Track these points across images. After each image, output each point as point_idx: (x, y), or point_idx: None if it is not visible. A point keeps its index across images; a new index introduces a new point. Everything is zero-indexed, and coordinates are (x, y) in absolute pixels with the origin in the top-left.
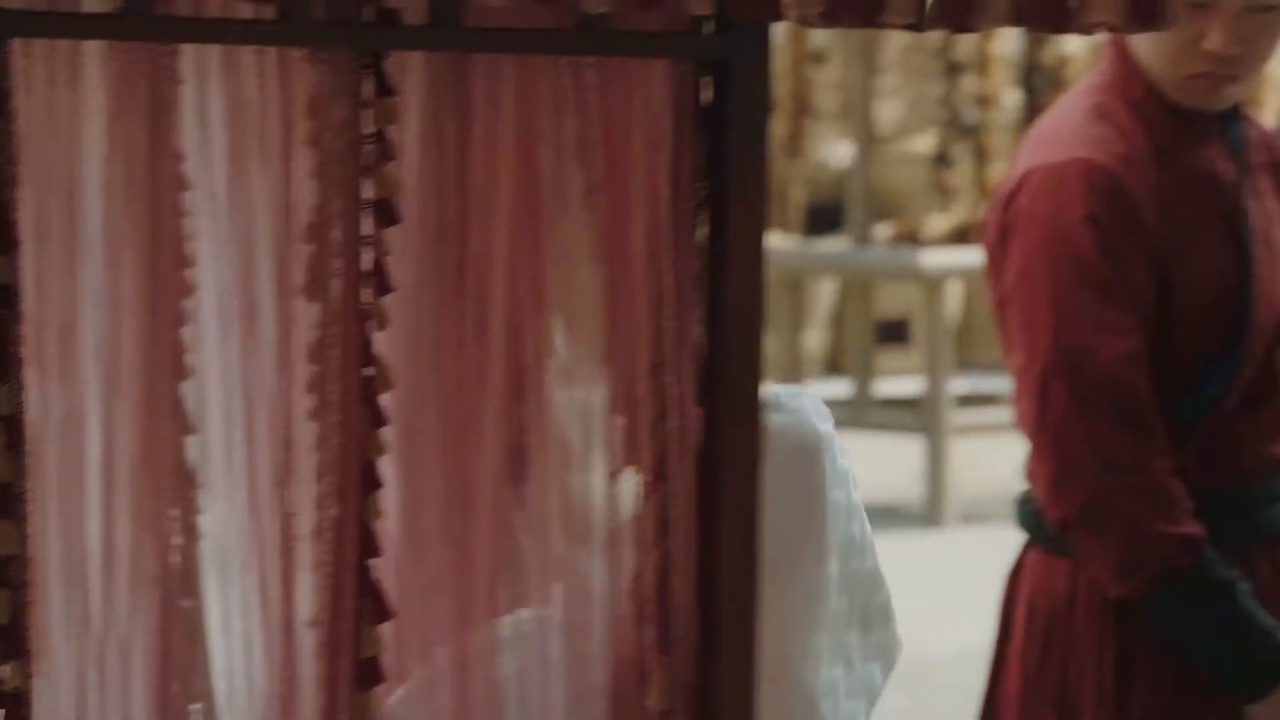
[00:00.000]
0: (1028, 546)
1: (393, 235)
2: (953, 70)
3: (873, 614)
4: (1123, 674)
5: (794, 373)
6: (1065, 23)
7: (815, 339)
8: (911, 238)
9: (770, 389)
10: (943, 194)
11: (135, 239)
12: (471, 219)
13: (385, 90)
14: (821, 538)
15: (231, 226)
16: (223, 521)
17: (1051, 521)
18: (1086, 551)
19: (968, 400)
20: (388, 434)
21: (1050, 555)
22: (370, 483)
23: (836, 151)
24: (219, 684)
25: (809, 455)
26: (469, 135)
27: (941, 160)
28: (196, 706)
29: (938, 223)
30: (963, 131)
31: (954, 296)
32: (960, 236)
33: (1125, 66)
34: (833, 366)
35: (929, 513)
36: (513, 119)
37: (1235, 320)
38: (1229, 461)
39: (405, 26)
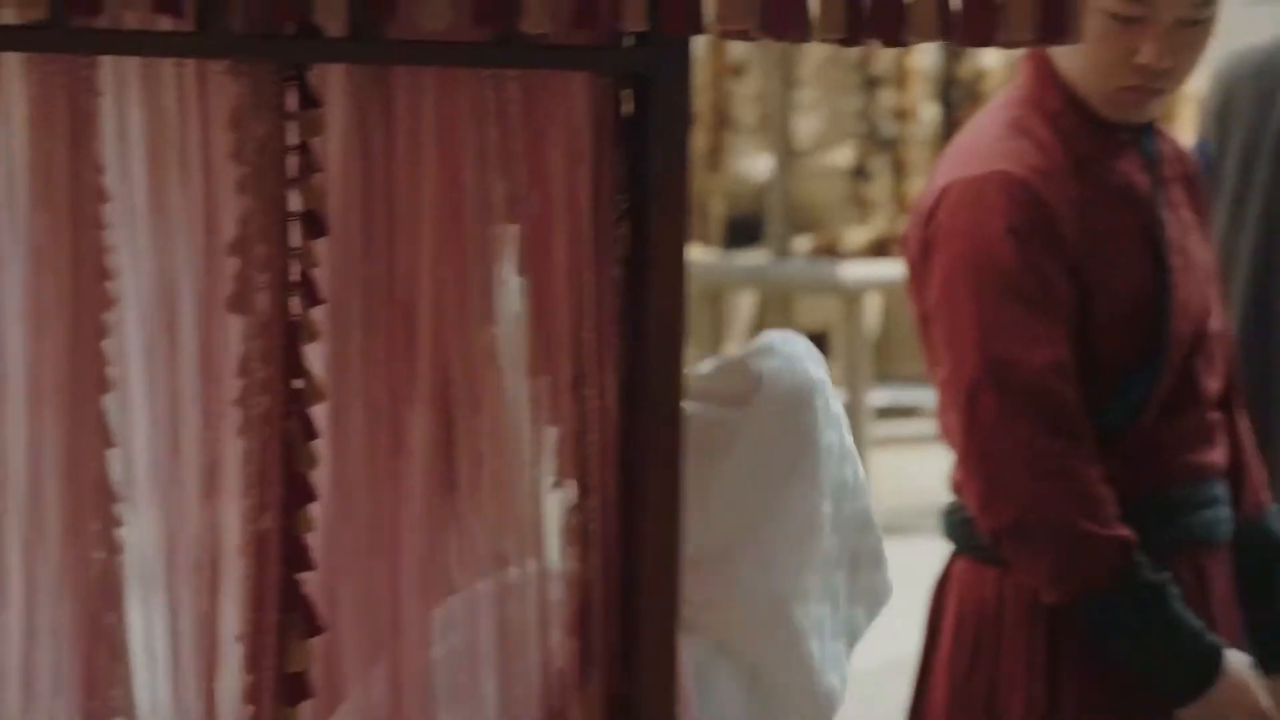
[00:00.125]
0: (955, 556)
1: (320, 247)
2: (871, 84)
3: (862, 557)
4: (1052, 683)
5: None
6: (988, 37)
7: (735, 351)
8: (830, 250)
9: (764, 335)
10: (861, 207)
11: (56, 251)
12: (398, 230)
13: (308, 102)
14: (813, 479)
15: (154, 239)
16: (148, 535)
17: (984, 532)
18: (1020, 560)
19: (887, 412)
20: (318, 446)
21: (978, 564)
22: (300, 496)
23: (756, 165)
24: (142, 698)
25: (801, 398)
26: (393, 147)
27: (860, 173)
28: None
29: (856, 235)
30: (881, 145)
31: (873, 309)
32: (879, 249)
33: (1043, 80)
34: None
35: None
36: (435, 131)
37: (1154, 331)
38: (1151, 469)
39: (326, 39)
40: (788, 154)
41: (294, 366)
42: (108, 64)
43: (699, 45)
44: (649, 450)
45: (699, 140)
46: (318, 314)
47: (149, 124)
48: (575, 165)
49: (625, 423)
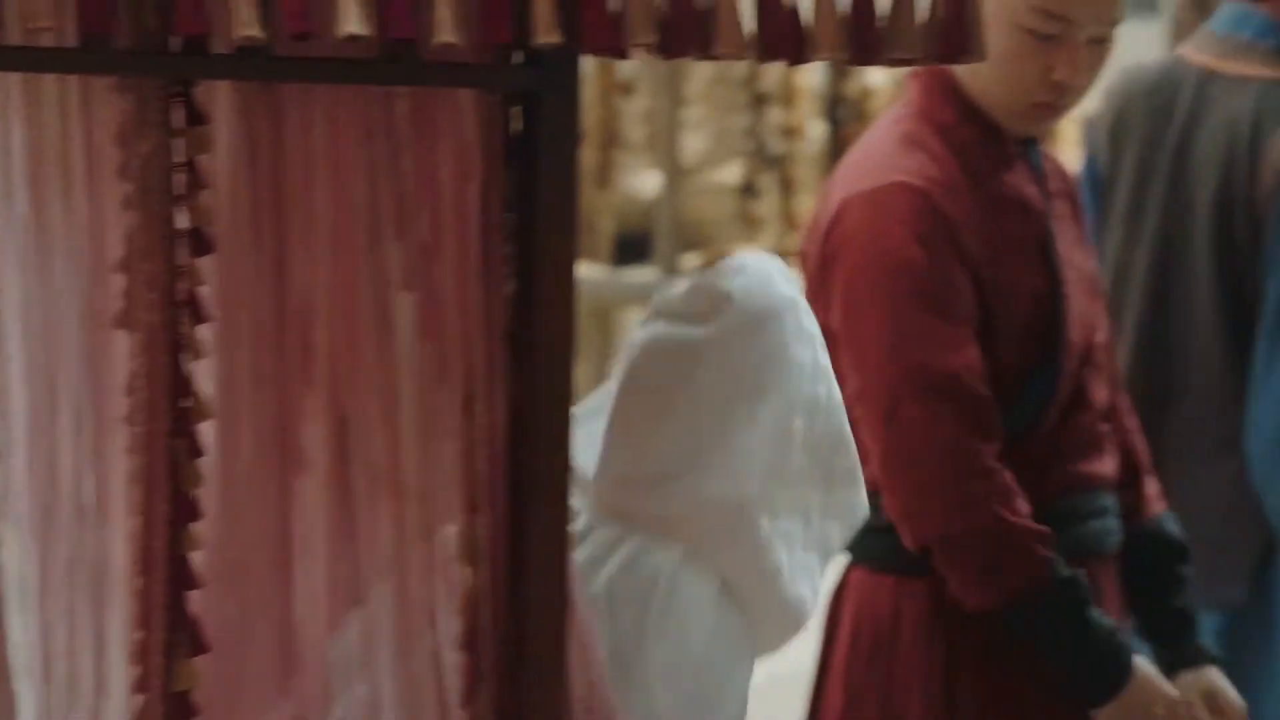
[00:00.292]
0: (851, 566)
1: (209, 264)
2: (758, 102)
3: (836, 474)
4: (948, 692)
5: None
6: (879, 56)
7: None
8: None
9: (735, 255)
10: (749, 224)
11: None
12: (288, 247)
13: (195, 119)
14: (783, 394)
15: (39, 256)
16: (32, 555)
17: (911, 540)
18: (951, 564)
19: None
20: (206, 464)
21: (874, 574)
22: (186, 514)
23: (644, 182)
24: None
25: (771, 314)
26: (281, 164)
27: (748, 191)
28: None
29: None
30: (768, 162)
31: None
32: None
33: (935, 95)
34: None
35: None
36: (325, 148)
37: (1050, 340)
38: (1045, 479)
39: (213, 55)
40: (676, 172)
41: (181, 384)
42: None
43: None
44: (538, 466)
45: (587, 158)
46: (207, 331)
47: (31, 141)
48: (464, 182)
49: (515, 439)
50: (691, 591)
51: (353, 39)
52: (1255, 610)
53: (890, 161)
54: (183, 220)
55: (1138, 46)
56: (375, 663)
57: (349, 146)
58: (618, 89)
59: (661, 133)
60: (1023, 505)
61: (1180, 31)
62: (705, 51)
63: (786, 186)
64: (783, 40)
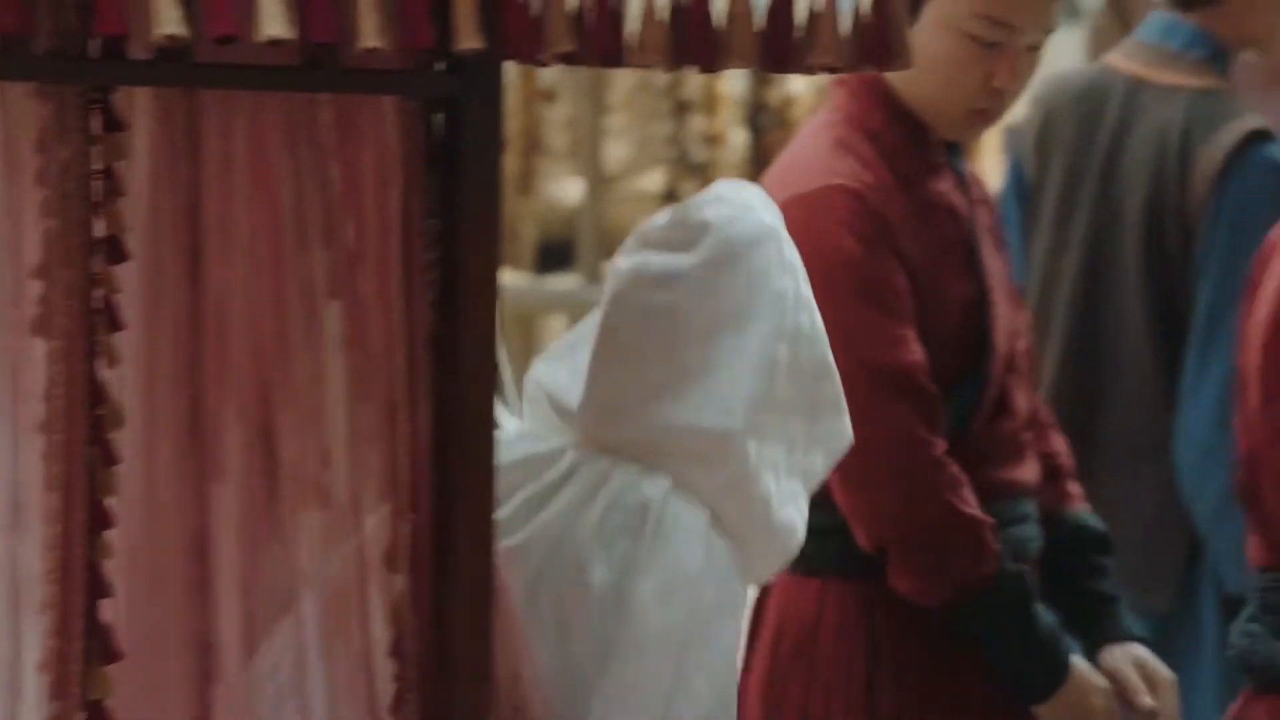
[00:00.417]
0: None
1: (127, 271)
2: (680, 110)
3: (820, 403)
4: (870, 695)
5: None
6: (799, 64)
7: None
8: None
9: (714, 186)
10: None
11: None
12: (206, 255)
13: (113, 125)
14: (765, 322)
15: None
16: None
17: (867, 536)
18: (907, 557)
19: None
20: (123, 472)
21: (799, 577)
22: (101, 522)
23: (567, 189)
24: None
25: (752, 243)
26: (200, 171)
27: (670, 198)
28: None
29: None
30: (691, 170)
31: None
32: None
33: (864, 100)
34: None
35: None
36: (246, 155)
37: (977, 347)
38: (970, 484)
39: (132, 61)
40: (598, 179)
41: (97, 392)
42: None
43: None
44: (462, 472)
45: (510, 165)
46: (127, 339)
47: None
48: (387, 189)
49: (439, 447)
50: (681, 521)
51: (274, 44)
52: (1182, 617)
53: (823, 165)
54: (100, 227)
55: (1058, 53)
56: (304, 672)
57: (271, 153)
58: (540, 96)
59: (584, 140)
60: (971, 496)
61: (1100, 39)
62: (625, 60)
63: None
64: (701, 48)
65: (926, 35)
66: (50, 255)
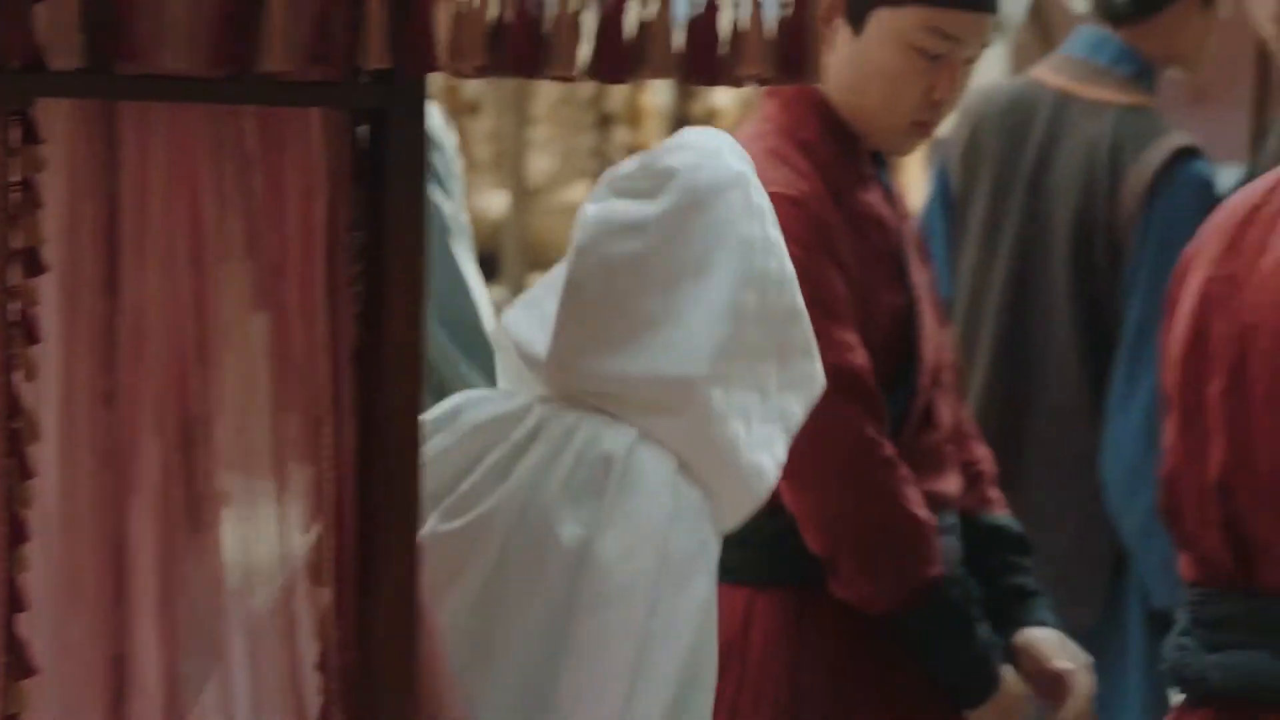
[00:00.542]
0: None
1: (46, 285)
2: (604, 122)
3: (791, 347)
4: (796, 703)
5: None
6: (720, 76)
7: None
8: None
9: (682, 132)
10: None
11: None
12: (125, 267)
13: (32, 138)
14: (730, 268)
15: None
16: None
17: (819, 538)
18: (861, 560)
19: None
20: (41, 486)
21: (728, 586)
22: (17, 536)
23: (491, 202)
24: None
25: (717, 189)
26: (120, 182)
27: None
28: None
29: None
30: None
31: None
32: None
33: (796, 112)
34: None
35: None
36: (168, 166)
37: (905, 358)
38: None
39: (53, 72)
40: (523, 191)
41: (13, 405)
42: None
43: (434, 81)
44: (387, 488)
45: None
46: (44, 351)
47: None
48: (311, 201)
49: (363, 460)
50: (646, 471)
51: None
52: (1108, 632)
53: (760, 173)
54: (18, 239)
55: (980, 67)
56: (228, 686)
57: (193, 164)
58: (464, 108)
59: (508, 153)
60: (920, 498)
61: (1022, 53)
62: (543, 72)
63: None
64: (619, 61)
65: (873, 48)
66: None
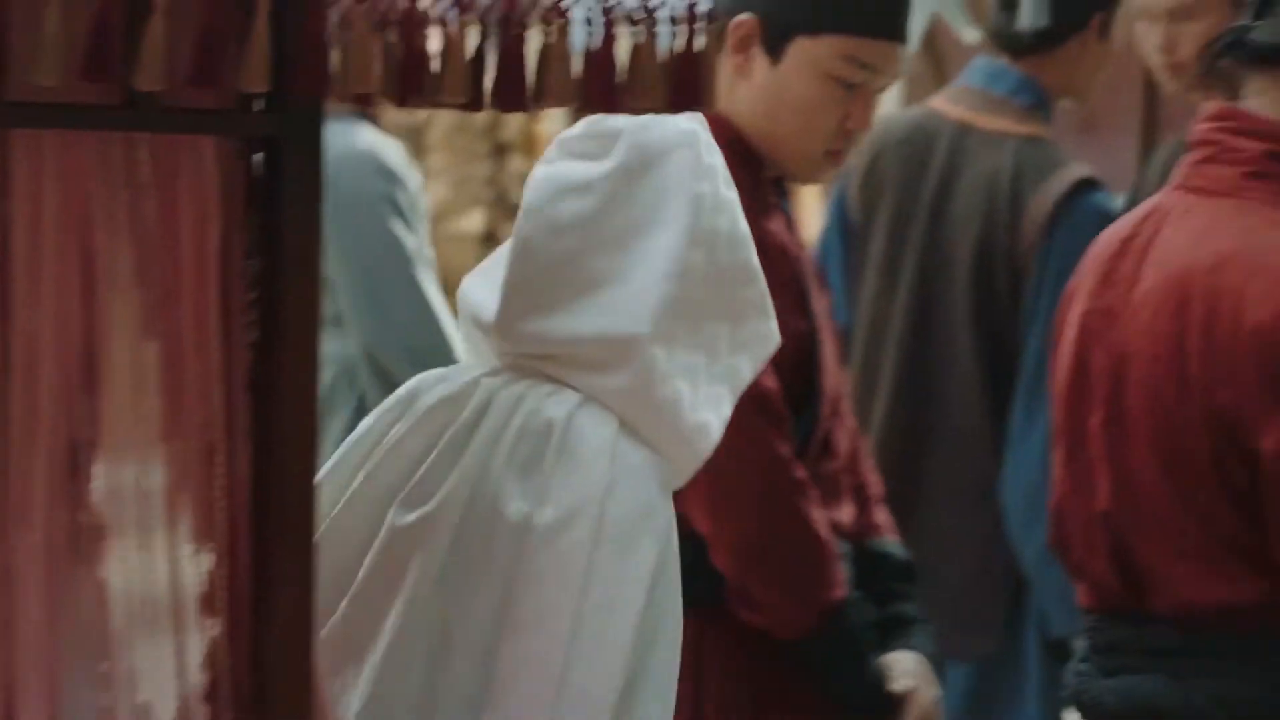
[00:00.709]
0: None
1: None
2: (499, 150)
3: (742, 307)
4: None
5: None
6: (618, 104)
7: None
8: None
9: None
10: None
11: None
12: (14, 294)
13: None
14: (676, 227)
15: None
16: None
17: (727, 555)
18: (769, 579)
19: None
20: None
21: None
22: None
23: None
24: None
25: (665, 150)
26: (8, 208)
27: (490, 239)
28: None
29: None
30: (510, 211)
31: None
32: None
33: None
34: None
35: None
36: (59, 193)
37: (806, 387)
38: None
39: None
40: None
41: None
42: None
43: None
44: (281, 515)
45: None
46: None
47: None
48: (205, 228)
49: (258, 489)
50: (585, 438)
51: (92, 82)
52: (1006, 660)
53: None
54: None
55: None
56: (114, 718)
57: (86, 192)
58: None
59: None
60: (825, 519)
61: (915, 84)
62: (432, 100)
63: None
64: (518, 90)
65: (790, 78)
66: None
